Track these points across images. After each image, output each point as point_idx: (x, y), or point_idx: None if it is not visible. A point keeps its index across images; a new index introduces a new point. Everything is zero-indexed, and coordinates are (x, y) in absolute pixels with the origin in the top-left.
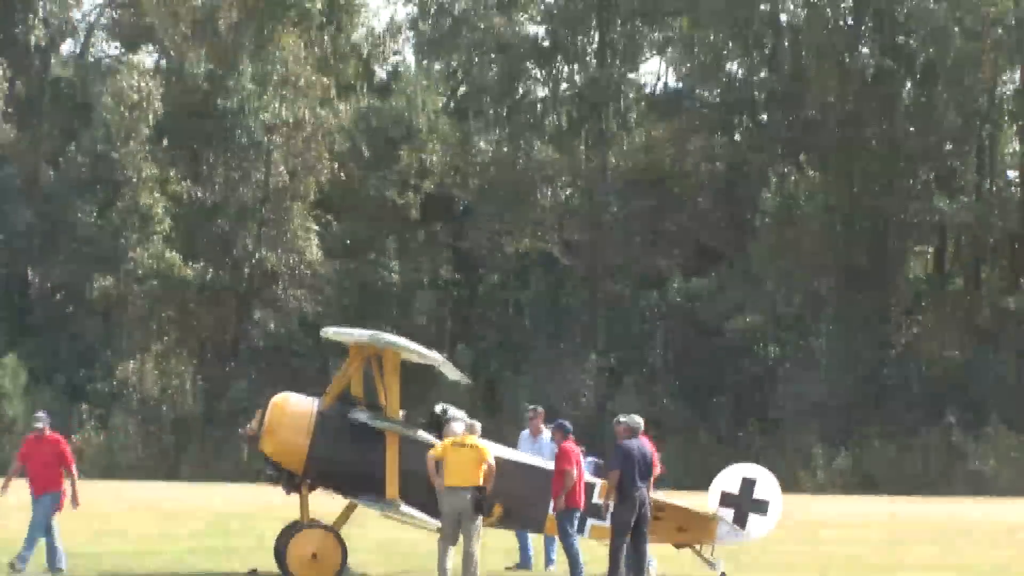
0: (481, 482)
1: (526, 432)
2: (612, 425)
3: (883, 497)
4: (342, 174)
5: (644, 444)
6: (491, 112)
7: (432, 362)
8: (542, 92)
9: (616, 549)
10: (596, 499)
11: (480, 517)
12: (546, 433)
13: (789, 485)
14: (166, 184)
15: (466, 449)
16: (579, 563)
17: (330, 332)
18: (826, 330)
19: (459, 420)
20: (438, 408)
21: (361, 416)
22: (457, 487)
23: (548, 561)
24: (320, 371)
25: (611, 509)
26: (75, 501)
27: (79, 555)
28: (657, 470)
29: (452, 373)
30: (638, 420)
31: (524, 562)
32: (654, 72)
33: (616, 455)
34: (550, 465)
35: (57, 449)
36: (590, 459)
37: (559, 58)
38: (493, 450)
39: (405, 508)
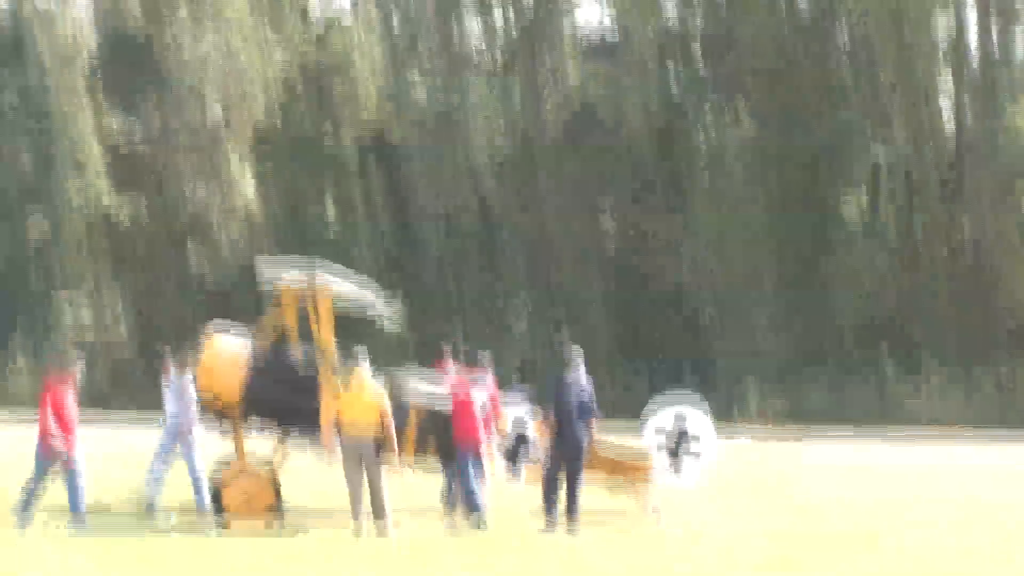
0: (380, 429)
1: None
2: (548, 370)
3: (818, 438)
4: (278, 117)
5: (581, 379)
6: (426, 56)
7: (364, 300)
8: (477, 35)
9: (548, 483)
10: (530, 435)
11: (382, 462)
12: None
13: (723, 425)
14: (100, 122)
15: (361, 394)
16: (476, 501)
17: (264, 271)
18: (761, 273)
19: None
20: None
21: (295, 355)
22: (355, 430)
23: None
24: (254, 310)
25: (545, 443)
26: None
27: (12, 491)
28: (595, 413)
29: (384, 313)
30: (576, 350)
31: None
32: (589, 15)
33: (551, 389)
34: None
35: None
36: (517, 387)
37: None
38: (424, 387)
39: (340, 449)
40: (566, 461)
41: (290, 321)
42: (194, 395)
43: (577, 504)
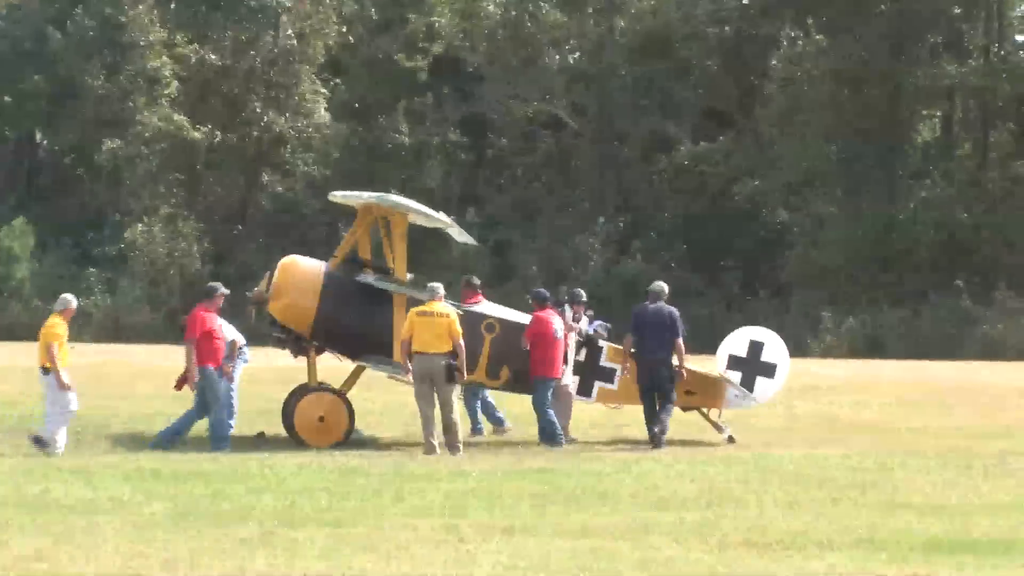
0: (451, 349)
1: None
2: (618, 289)
3: (891, 361)
4: (350, 37)
5: (662, 309)
6: None
7: (439, 224)
8: None
9: (645, 411)
10: (603, 362)
11: (453, 384)
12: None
13: (797, 349)
14: (174, 47)
15: (433, 317)
16: (555, 433)
17: (338, 196)
18: (834, 195)
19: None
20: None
21: (368, 278)
22: (426, 352)
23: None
24: (328, 234)
25: (627, 373)
26: None
27: (85, 419)
28: (679, 335)
29: (460, 235)
30: (658, 286)
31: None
32: None
33: (634, 321)
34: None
35: None
36: (598, 323)
37: None
38: (503, 314)
39: (412, 370)
40: (656, 391)
41: (364, 245)
42: (235, 334)
43: (663, 428)
